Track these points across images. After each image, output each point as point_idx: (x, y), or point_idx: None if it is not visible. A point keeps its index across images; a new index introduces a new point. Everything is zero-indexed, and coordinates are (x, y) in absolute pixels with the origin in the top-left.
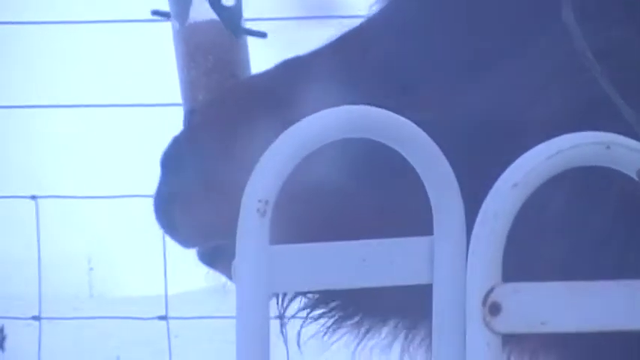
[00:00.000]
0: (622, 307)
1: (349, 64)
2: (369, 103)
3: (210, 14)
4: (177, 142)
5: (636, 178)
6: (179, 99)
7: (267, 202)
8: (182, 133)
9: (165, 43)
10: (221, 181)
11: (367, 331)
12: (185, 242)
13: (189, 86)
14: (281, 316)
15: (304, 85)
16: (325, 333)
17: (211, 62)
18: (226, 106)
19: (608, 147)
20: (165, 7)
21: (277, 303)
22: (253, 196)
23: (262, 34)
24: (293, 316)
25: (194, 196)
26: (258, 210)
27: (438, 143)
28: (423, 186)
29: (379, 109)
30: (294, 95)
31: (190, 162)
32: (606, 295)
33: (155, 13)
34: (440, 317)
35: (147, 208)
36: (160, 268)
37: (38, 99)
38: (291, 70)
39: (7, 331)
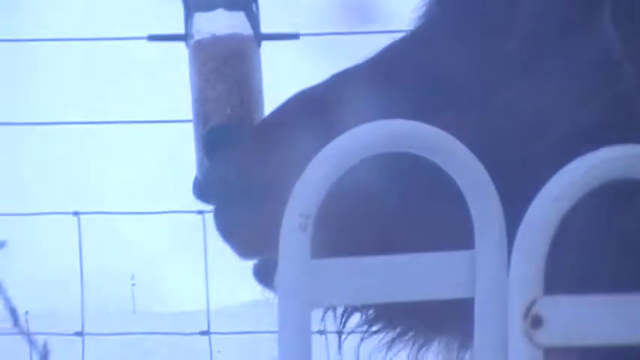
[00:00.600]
0: None
1: (396, 77)
2: (415, 116)
3: (230, 27)
4: (234, 152)
5: None
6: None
7: (308, 217)
8: (240, 147)
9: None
10: (277, 193)
11: (421, 347)
12: (242, 253)
13: (215, 102)
14: (339, 332)
15: (358, 99)
16: (381, 349)
17: (237, 75)
18: (283, 120)
19: None
20: (162, 28)
21: (334, 318)
22: (295, 210)
23: (295, 36)
24: (347, 332)
25: (253, 207)
26: (299, 225)
27: (479, 154)
28: (463, 198)
29: (417, 123)
30: (349, 110)
31: (250, 173)
32: None
33: (152, 38)
34: (482, 330)
35: (188, 223)
36: (201, 283)
37: (79, 116)
38: (345, 83)
39: (50, 346)
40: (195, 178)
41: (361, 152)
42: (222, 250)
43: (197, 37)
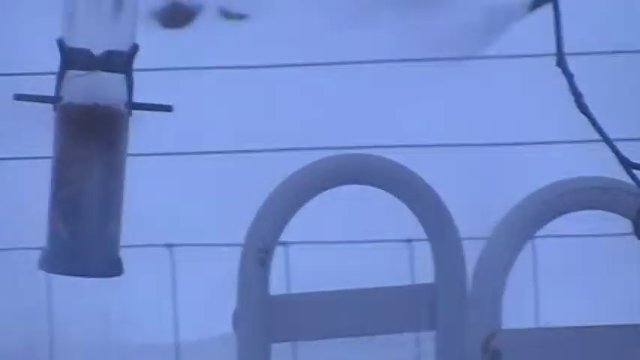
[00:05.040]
0: (626, 350)
1: None
2: None
3: (104, 90)
4: None
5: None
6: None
7: (267, 252)
8: None
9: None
10: None
11: None
12: None
13: (79, 164)
14: None
15: None
16: None
17: (104, 140)
18: None
19: (606, 190)
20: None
21: None
22: (254, 245)
23: (167, 108)
24: None
25: None
26: (258, 259)
27: None
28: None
29: (377, 156)
30: None
31: None
32: (607, 338)
33: (19, 97)
34: None
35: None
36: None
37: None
38: None
39: None
40: (45, 251)
41: (318, 186)
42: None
43: (67, 99)
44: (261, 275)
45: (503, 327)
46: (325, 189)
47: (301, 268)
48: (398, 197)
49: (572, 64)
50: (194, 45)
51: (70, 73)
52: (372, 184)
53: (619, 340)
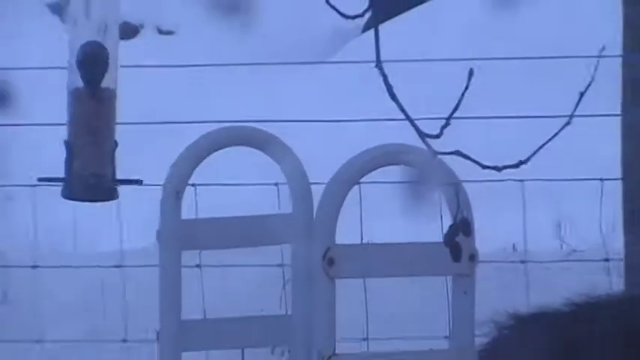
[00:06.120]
0: (430, 261)
1: None
2: None
3: None
4: None
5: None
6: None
7: (179, 190)
8: None
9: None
10: None
11: None
12: None
13: None
14: None
15: None
16: None
17: None
18: None
19: (407, 152)
20: None
21: None
22: (171, 185)
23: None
24: None
25: None
26: (175, 194)
27: None
28: None
29: (254, 128)
30: None
31: None
32: (414, 252)
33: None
34: (294, 270)
35: None
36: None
37: None
38: None
39: None
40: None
41: (216, 146)
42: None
43: None
44: (176, 205)
45: (337, 243)
46: (221, 148)
47: (206, 203)
48: (266, 154)
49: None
50: (138, 51)
51: None
52: (249, 146)
53: (424, 253)
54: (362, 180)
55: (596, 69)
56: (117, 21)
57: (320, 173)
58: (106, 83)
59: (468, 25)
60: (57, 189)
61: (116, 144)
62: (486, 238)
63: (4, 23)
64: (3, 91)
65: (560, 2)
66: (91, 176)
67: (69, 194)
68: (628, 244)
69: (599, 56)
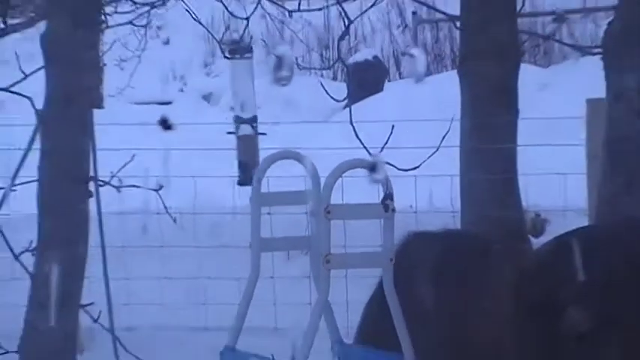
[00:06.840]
0: None
1: None
2: None
3: None
4: None
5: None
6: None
7: (260, 179)
8: None
9: None
10: None
11: None
12: None
13: None
14: None
15: None
16: None
17: None
18: None
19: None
20: None
21: None
22: (257, 177)
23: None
24: None
25: None
26: (259, 180)
27: None
28: None
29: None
30: None
31: None
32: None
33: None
34: (312, 216)
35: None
36: None
37: None
38: None
39: None
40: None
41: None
42: None
43: None
44: (258, 187)
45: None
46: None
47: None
48: (301, 163)
49: None
50: None
51: None
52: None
53: (371, 207)
54: (344, 175)
55: None
56: None
57: (321, 173)
58: None
59: None
60: None
61: None
62: (399, 201)
63: None
64: None
65: None
66: None
67: None
68: None
69: None
